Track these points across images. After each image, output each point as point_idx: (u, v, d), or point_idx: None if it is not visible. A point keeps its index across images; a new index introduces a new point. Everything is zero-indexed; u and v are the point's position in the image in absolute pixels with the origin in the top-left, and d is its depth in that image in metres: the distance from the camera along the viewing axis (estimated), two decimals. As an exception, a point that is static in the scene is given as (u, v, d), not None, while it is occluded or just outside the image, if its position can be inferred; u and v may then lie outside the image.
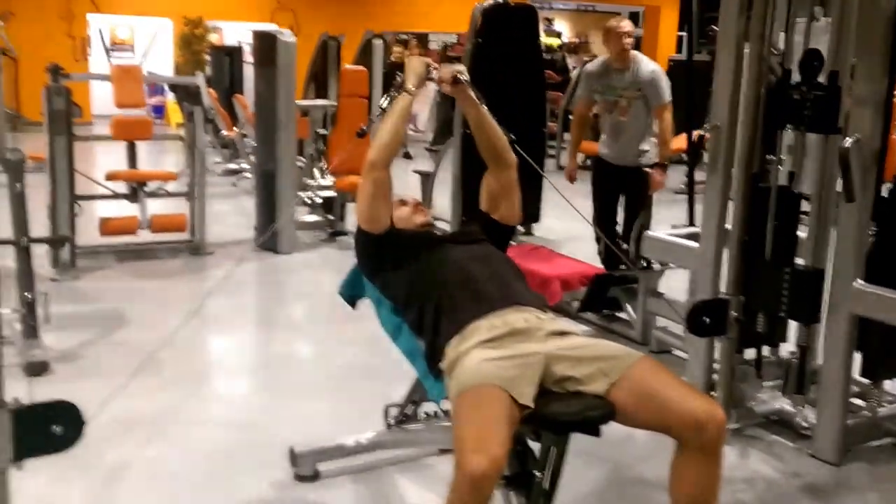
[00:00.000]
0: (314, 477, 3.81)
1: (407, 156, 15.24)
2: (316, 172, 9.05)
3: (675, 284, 5.56)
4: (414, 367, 3.43)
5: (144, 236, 7.70)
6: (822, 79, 3.95)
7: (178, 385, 4.84)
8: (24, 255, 5.01)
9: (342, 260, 7.92)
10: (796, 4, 4.18)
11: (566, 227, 8.81)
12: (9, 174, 5.03)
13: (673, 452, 2.85)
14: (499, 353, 2.89)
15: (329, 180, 8.85)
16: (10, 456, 2.74)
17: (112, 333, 5.74)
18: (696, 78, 6.74)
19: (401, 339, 3.41)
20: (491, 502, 2.57)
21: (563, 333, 3.05)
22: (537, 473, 2.86)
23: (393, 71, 14.91)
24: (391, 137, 3.35)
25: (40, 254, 6.25)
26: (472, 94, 3.52)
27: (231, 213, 9.68)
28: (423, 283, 3.27)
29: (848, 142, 3.82)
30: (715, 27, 4.55)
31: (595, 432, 2.87)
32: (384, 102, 3.42)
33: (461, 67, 3.55)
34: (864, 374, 4.33)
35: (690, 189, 6.03)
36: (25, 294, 5.00)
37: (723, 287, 4.33)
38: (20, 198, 4.98)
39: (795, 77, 4.02)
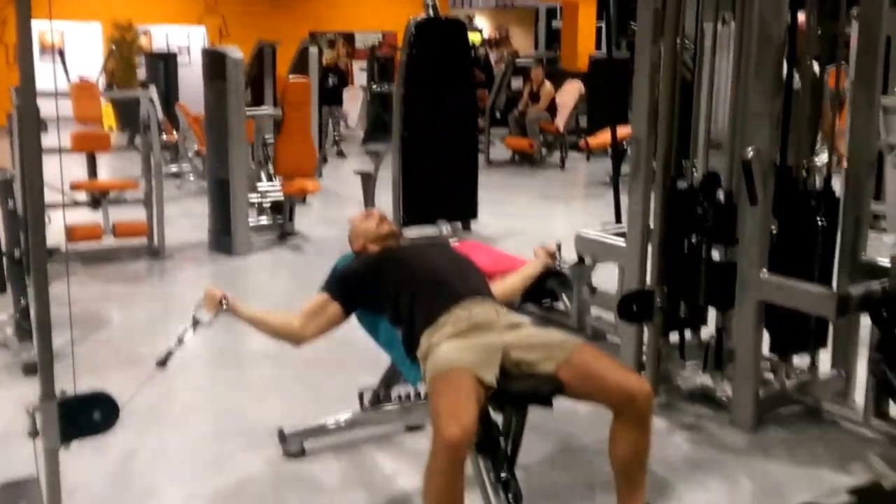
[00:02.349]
0: (301, 453, 4.33)
1: (341, 154, 15.71)
2: (264, 176, 9.54)
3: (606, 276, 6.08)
4: (391, 354, 4.00)
5: (107, 242, 8.16)
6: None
7: (162, 380, 5.12)
8: (18, 265, 5.42)
9: (294, 261, 8.41)
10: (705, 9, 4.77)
11: (502, 223, 9.33)
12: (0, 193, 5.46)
13: (610, 422, 3.41)
14: (465, 342, 3.41)
15: (277, 184, 9.32)
16: (58, 439, 3.25)
17: (93, 333, 6.15)
18: (615, 74, 7.31)
19: (379, 332, 3.98)
20: (463, 466, 3.09)
21: (516, 325, 3.60)
22: (501, 441, 3.42)
23: (326, 75, 15.38)
24: (278, 336, 3.87)
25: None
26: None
27: (180, 217, 10.01)
28: (396, 285, 3.78)
29: (749, 153, 4.41)
30: (634, 24, 5.10)
31: (548, 404, 3.41)
32: (182, 333, 3.67)
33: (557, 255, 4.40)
34: (773, 351, 4.85)
35: (616, 190, 6.61)
36: (20, 300, 5.45)
37: (649, 279, 4.93)
38: (12, 213, 5.42)
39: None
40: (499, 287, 4.16)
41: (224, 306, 3.72)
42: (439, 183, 8.86)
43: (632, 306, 4.77)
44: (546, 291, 6.40)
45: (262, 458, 4.33)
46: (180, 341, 3.63)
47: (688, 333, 5.05)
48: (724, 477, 4.23)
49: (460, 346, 3.40)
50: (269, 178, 9.62)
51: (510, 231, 9.03)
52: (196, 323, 3.70)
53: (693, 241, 4.67)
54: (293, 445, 4.34)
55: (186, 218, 10.02)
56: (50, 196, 3.32)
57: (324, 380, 5.37)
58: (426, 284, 3.73)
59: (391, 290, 3.79)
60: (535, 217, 10.32)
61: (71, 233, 7.69)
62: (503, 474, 3.38)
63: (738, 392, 4.74)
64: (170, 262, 8.22)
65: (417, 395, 4.32)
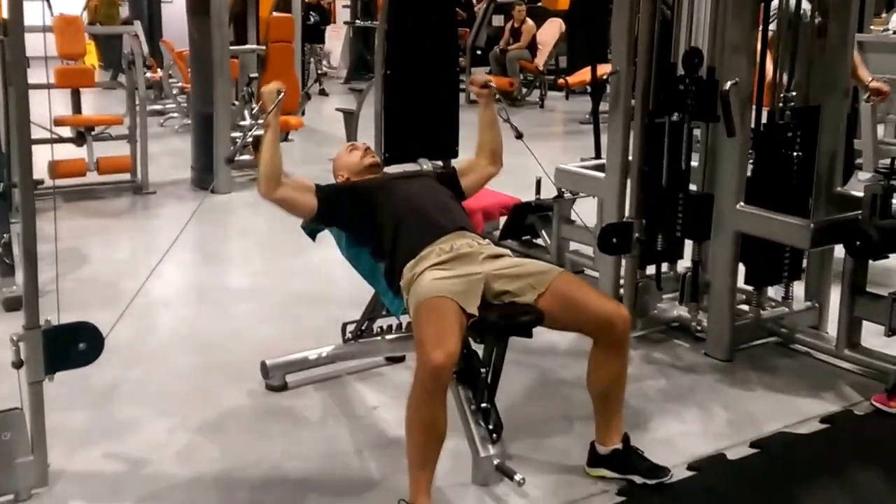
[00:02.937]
0: (283, 387, 4.38)
1: (323, 93, 15.65)
2: (247, 115, 9.52)
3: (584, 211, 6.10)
4: (374, 287, 4.04)
5: (90, 177, 8.15)
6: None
7: (144, 315, 5.18)
8: (1, 200, 5.43)
9: (277, 198, 8.44)
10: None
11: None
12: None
13: (589, 350, 3.48)
14: (448, 272, 3.45)
15: (260, 121, 9.27)
16: (42, 369, 3.28)
17: (76, 269, 6.13)
18: (595, 11, 7.27)
19: (362, 264, 4.00)
20: (446, 393, 3.14)
21: (498, 256, 3.64)
22: (482, 370, 3.48)
23: (308, 13, 15.29)
24: (269, 167, 3.76)
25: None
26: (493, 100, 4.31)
27: (163, 154, 10.03)
28: (379, 217, 3.81)
29: (727, 85, 4.45)
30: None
31: (528, 335, 3.46)
32: (247, 129, 3.74)
33: (490, 78, 4.28)
34: (748, 283, 4.92)
35: (596, 124, 6.64)
36: (4, 235, 5.44)
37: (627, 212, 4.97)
38: (-4, 148, 5.41)
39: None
40: (478, 155, 4.35)
41: (280, 95, 3.79)
42: (421, 121, 8.82)
43: (611, 238, 4.82)
44: (525, 227, 6.45)
45: (244, 391, 4.38)
46: (245, 136, 3.91)
47: (665, 266, 5.13)
48: (698, 407, 4.29)
49: (443, 275, 3.44)
50: (253, 117, 9.58)
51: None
52: (260, 114, 3.82)
53: (675, 118, 4.69)
54: (275, 379, 4.39)
55: (170, 156, 10.03)
56: (34, 131, 3.34)
57: (306, 314, 5.39)
58: (410, 218, 3.75)
59: (374, 220, 3.83)
60: (515, 154, 10.23)
61: (55, 168, 7.67)
62: (484, 403, 3.46)
63: (714, 323, 4.81)
64: (153, 198, 8.25)
65: (400, 326, 4.36)
